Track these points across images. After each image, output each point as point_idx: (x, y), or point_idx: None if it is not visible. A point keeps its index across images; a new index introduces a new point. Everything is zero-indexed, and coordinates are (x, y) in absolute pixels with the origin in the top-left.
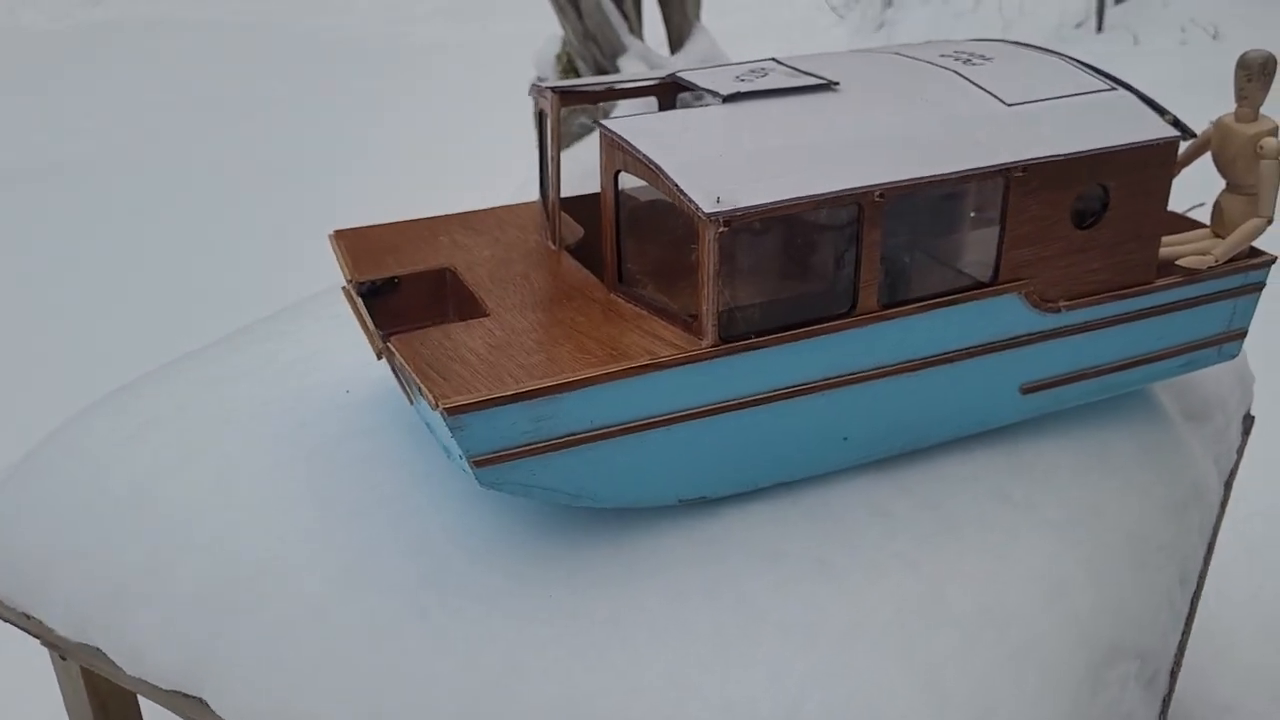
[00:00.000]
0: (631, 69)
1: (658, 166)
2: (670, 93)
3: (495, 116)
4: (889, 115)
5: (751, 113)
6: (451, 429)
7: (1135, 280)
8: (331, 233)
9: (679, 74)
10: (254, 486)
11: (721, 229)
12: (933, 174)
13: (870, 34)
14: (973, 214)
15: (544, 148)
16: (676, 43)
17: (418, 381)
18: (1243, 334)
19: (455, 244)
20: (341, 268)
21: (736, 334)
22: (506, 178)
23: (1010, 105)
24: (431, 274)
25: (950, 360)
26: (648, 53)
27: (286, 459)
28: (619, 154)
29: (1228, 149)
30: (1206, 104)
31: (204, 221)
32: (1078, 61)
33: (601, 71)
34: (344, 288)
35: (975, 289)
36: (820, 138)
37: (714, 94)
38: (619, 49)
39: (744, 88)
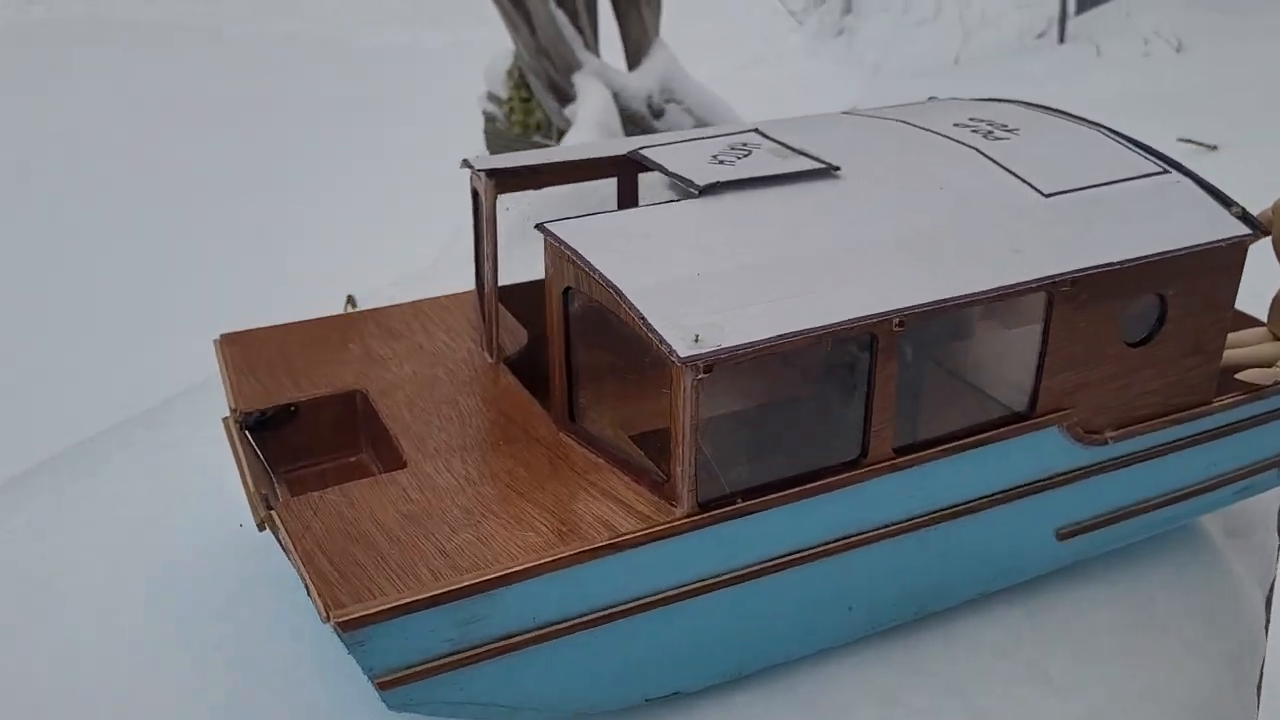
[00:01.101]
0: (587, 86)
1: (618, 291)
2: (630, 171)
3: (447, 131)
4: (903, 212)
5: (734, 210)
6: (349, 645)
7: (1192, 400)
8: (217, 339)
9: (642, 151)
10: (122, 636)
11: (701, 376)
12: (962, 293)
13: (829, 40)
14: (1005, 331)
15: (480, 234)
16: (634, 58)
17: (306, 580)
18: None
19: (369, 355)
20: (225, 390)
21: (718, 497)
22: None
23: (1048, 196)
24: (338, 398)
25: (977, 509)
26: (604, 69)
27: (159, 608)
28: (569, 268)
29: None
30: (1170, 119)
31: (135, 243)
32: (1117, 134)
33: (555, 87)
34: (225, 420)
35: (1009, 423)
36: (820, 245)
37: (686, 183)
38: (573, 65)
39: (724, 174)
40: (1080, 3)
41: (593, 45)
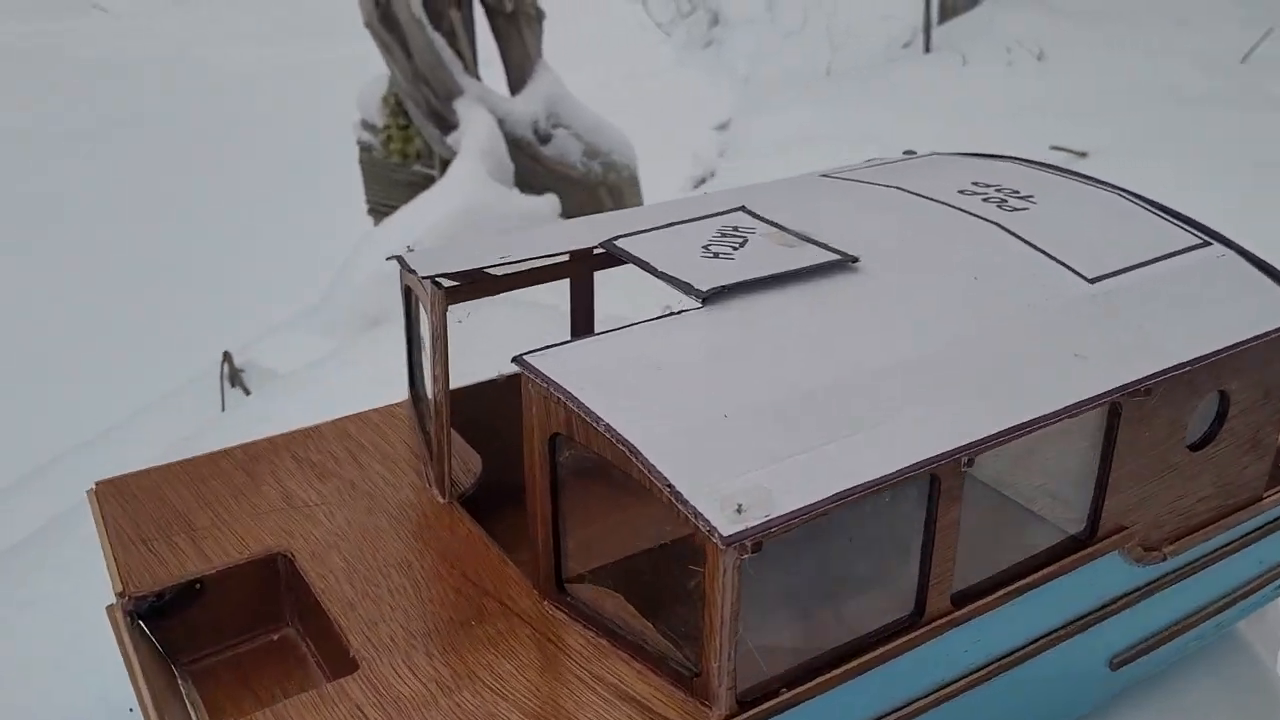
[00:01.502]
0: (470, 112)
1: (632, 449)
2: (589, 267)
3: (318, 161)
4: (942, 313)
5: (749, 323)
6: None
7: (1246, 498)
8: (91, 489)
9: (618, 243)
10: None
11: (747, 555)
12: (1031, 417)
13: (698, 51)
14: (1057, 441)
15: (413, 341)
16: (517, 81)
17: None
18: None
19: (289, 500)
20: (108, 567)
21: (760, 691)
22: (333, 239)
23: (1093, 282)
24: (255, 566)
25: (1033, 652)
26: (486, 94)
27: None
28: (558, 411)
29: None
30: (1041, 126)
31: None
32: (1137, 197)
33: (436, 114)
34: (110, 608)
35: (1068, 551)
36: (859, 364)
37: (685, 288)
38: (454, 90)
39: (725, 273)
40: (942, 12)
41: (473, 69)
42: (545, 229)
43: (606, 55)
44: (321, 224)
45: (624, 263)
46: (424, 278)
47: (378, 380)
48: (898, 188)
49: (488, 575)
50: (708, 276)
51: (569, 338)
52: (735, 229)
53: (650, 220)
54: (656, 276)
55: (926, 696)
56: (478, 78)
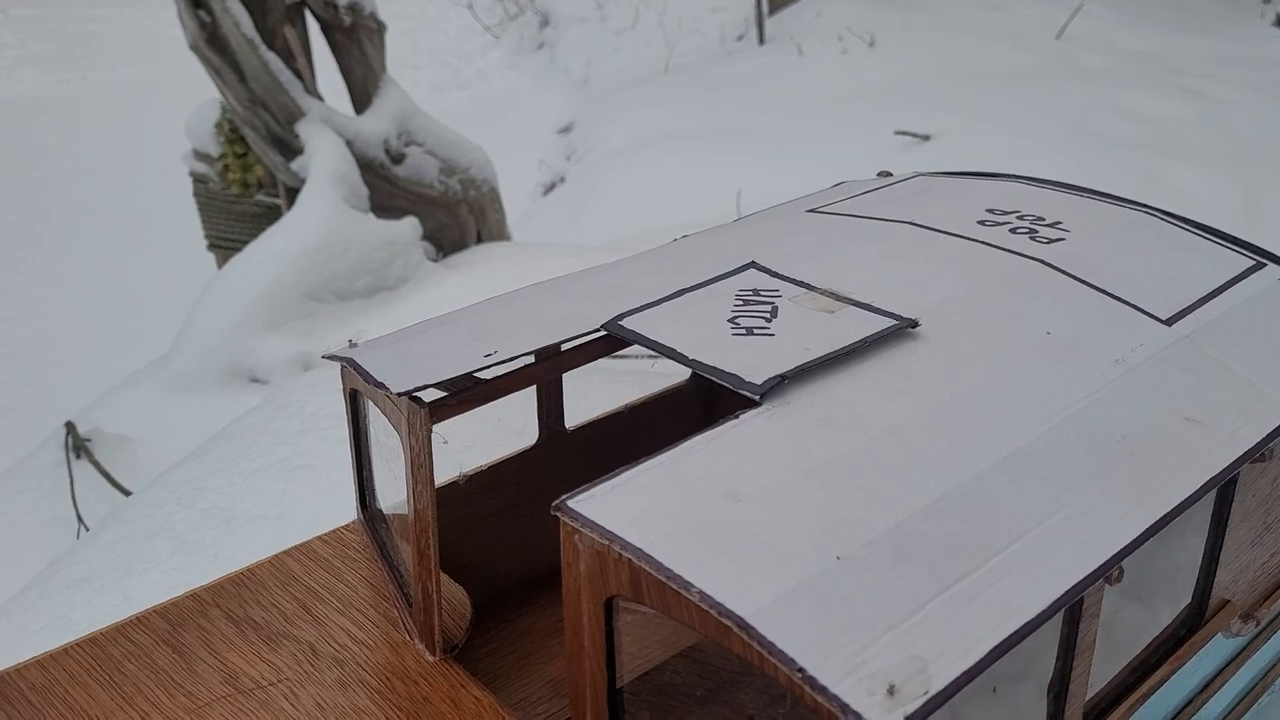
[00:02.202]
0: (315, 135)
1: (741, 621)
2: (588, 355)
3: (146, 195)
4: (1030, 387)
5: (824, 422)
6: None
7: None
8: None
9: (623, 323)
10: None
11: None
12: (1168, 508)
13: (530, 54)
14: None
15: (363, 448)
16: (362, 99)
17: None
18: None
19: (234, 683)
20: None
21: None
22: (172, 282)
23: (1169, 323)
24: None
25: None
26: (331, 114)
27: None
28: (619, 569)
29: None
30: (882, 113)
31: None
32: (1165, 213)
33: (277, 140)
34: None
35: (1178, 641)
36: (962, 467)
37: (735, 383)
38: (296, 113)
39: (776, 359)
40: (771, 3)
41: (313, 88)
42: (508, 303)
43: (430, 63)
44: (156, 265)
45: (629, 344)
46: (398, 394)
47: (262, 454)
48: (909, 223)
49: None
50: (754, 363)
51: (536, 427)
52: (756, 293)
53: (636, 285)
54: (688, 366)
55: None
56: (320, 98)
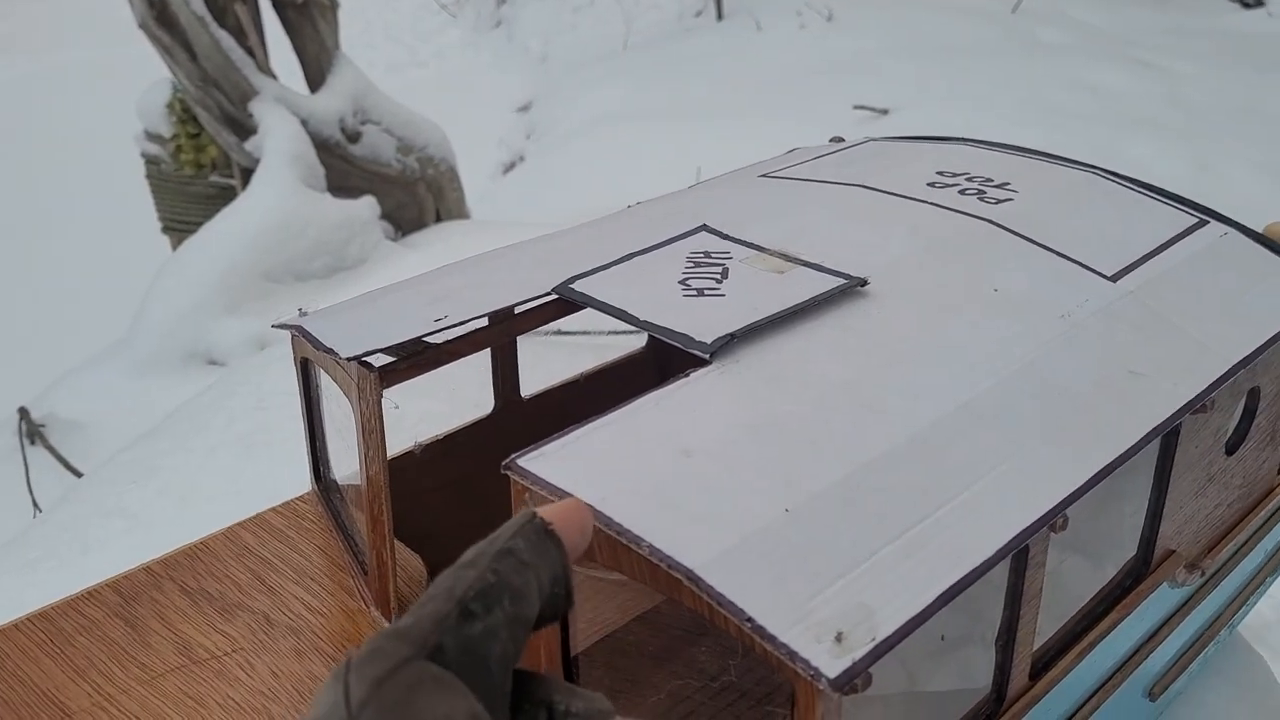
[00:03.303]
0: (269, 114)
1: (690, 574)
2: (542, 318)
3: (97, 177)
4: (978, 342)
5: (773, 380)
6: None
7: (1263, 489)
8: None
9: (573, 286)
10: None
11: (846, 692)
12: (1113, 457)
13: (488, 32)
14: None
15: (315, 419)
16: (316, 77)
17: None
18: None
19: (189, 653)
20: None
21: None
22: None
23: (1114, 279)
24: None
25: (1091, 709)
26: (285, 93)
27: None
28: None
29: None
30: (840, 87)
31: None
32: (1110, 173)
33: (230, 119)
34: None
35: (1124, 591)
36: (910, 421)
37: (685, 342)
38: (249, 92)
39: (722, 315)
40: None
41: (266, 67)
42: (460, 270)
43: (386, 42)
44: (110, 248)
45: (581, 309)
46: (347, 359)
47: (219, 431)
48: (861, 185)
49: None
50: (704, 323)
51: (492, 395)
52: (708, 255)
53: (588, 251)
54: (640, 328)
55: None
56: (273, 76)
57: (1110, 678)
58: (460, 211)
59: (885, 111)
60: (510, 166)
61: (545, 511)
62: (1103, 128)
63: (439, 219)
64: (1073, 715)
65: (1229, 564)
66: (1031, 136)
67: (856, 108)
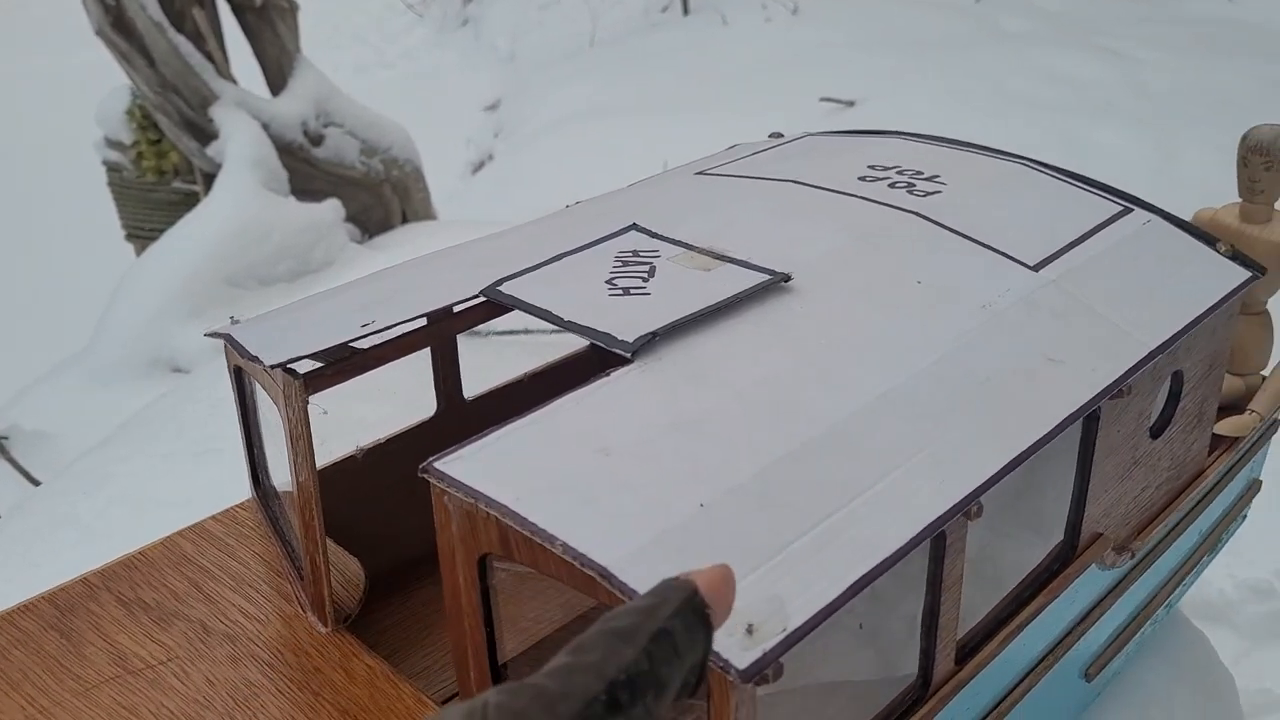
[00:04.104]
0: (230, 119)
1: (603, 571)
2: (469, 321)
3: (58, 184)
4: (900, 335)
5: (694, 377)
6: None
7: (1193, 471)
8: None
9: (501, 288)
10: None
11: (757, 683)
12: (1028, 443)
13: (454, 31)
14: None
15: (251, 427)
16: (277, 80)
17: None
18: (1259, 484)
19: (124, 663)
20: None
21: None
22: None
23: (1036, 269)
24: None
25: (1023, 690)
26: (246, 97)
27: None
28: (488, 527)
29: None
30: (807, 80)
31: None
32: (1036, 163)
33: (191, 125)
34: None
35: (1051, 575)
36: (827, 414)
37: (608, 341)
38: (208, 97)
39: (645, 314)
40: None
41: (226, 71)
42: (392, 275)
43: (352, 42)
44: (74, 257)
45: (509, 311)
46: (271, 366)
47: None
48: (793, 181)
49: None
50: (627, 322)
51: (434, 398)
52: (635, 254)
53: (523, 252)
54: (564, 328)
55: None
56: (233, 81)
57: (1042, 660)
58: (427, 212)
59: (852, 103)
60: (479, 166)
61: (703, 582)
62: (1069, 116)
63: (405, 220)
64: (1004, 698)
65: (1161, 545)
66: (997, 126)
67: (823, 100)
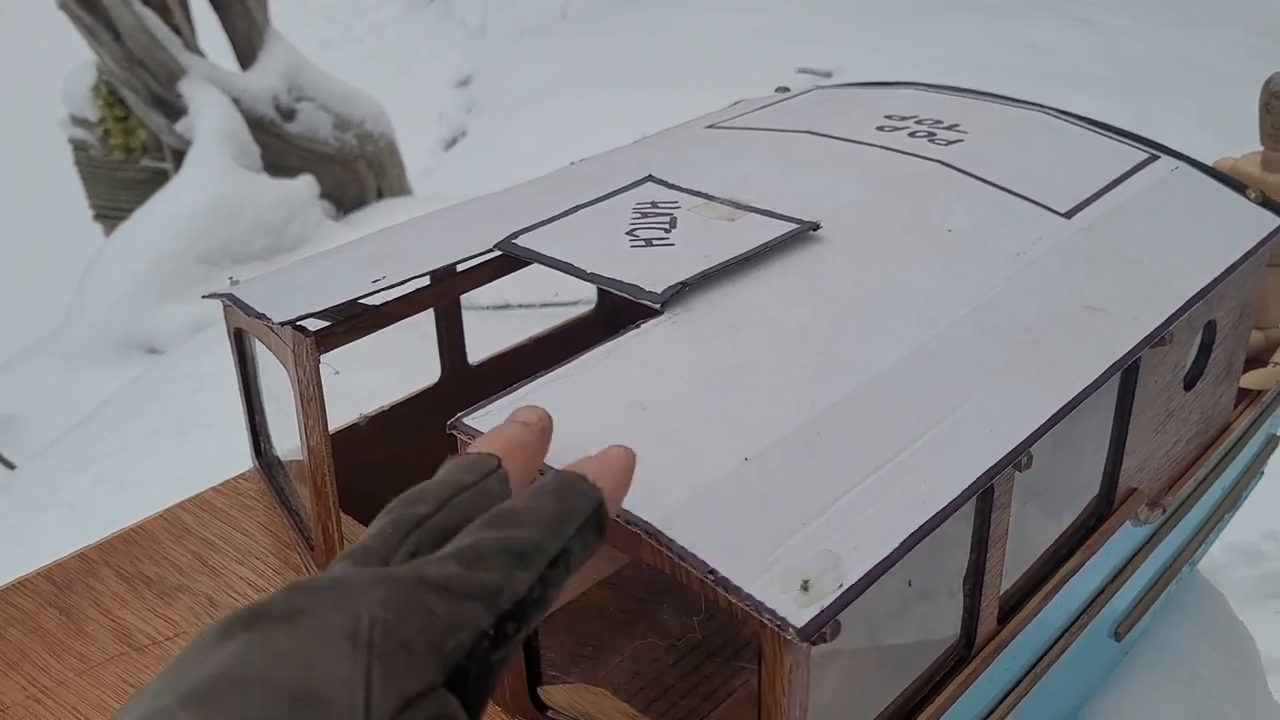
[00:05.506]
0: (199, 94)
1: (650, 529)
2: (481, 277)
3: (22, 164)
4: (935, 283)
5: (728, 328)
6: None
7: (1220, 425)
8: None
9: (517, 241)
10: None
11: (815, 641)
12: (1075, 392)
13: (424, 6)
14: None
15: (253, 393)
16: (247, 54)
17: None
18: (1277, 441)
19: (128, 640)
20: None
21: None
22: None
23: (1069, 216)
24: None
25: (1060, 650)
26: (215, 71)
27: None
28: None
29: None
30: (784, 50)
31: None
32: (1060, 112)
33: (159, 100)
34: None
35: (1088, 530)
36: (868, 365)
37: (635, 293)
38: (177, 72)
39: (672, 265)
40: None
41: (194, 44)
42: (400, 231)
43: (319, 19)
44: (42, 239)
45: (525, 265)
46: (281, 323)
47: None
48: (808, 131)
49: None
50: (653, 273)
51: (439, 364)
52: (654, 205)
53: (535, 206)
54: (585, 279)
55: None
56: (201, 54)
57: (1077, 619)
58: (402, 188)
59: (829, 74)
60: (452, 142)
61: (607, 480)
62: (1045, 85)
63: (381, 196)
64: (1041, 658)
65: (1189, 501)
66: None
67: (800, 71)
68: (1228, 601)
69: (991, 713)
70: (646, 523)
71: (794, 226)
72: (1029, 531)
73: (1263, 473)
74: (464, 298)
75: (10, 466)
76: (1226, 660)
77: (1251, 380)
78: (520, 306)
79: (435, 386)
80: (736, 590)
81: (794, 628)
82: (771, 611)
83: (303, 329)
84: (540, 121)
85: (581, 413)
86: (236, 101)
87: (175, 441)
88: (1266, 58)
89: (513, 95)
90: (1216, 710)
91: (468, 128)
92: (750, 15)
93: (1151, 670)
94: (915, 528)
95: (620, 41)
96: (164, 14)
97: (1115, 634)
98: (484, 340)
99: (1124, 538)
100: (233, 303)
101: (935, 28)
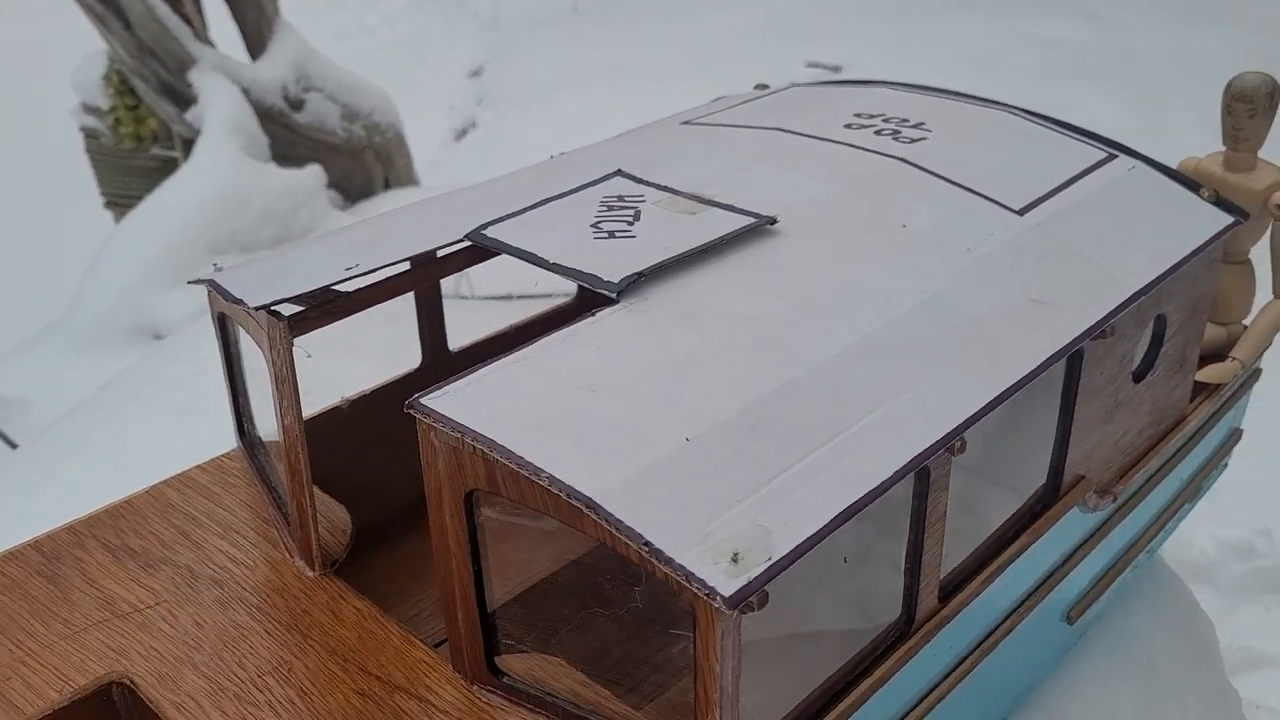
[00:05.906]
0: (209, 84)
1: (589, 502)
2: (454, 266)
3: (34, 151)
4: (884, 276)
5: (680, 317)
6: None
7: (1174, 417)
8: None
9: (486, 232)
10: None
11: (743, 610)
12: (1013, 380)
13: (436, 1)
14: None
15: (236, 375)
16: (257, 44)
17: None
18: (1239, 433)
19: (111, 607)
20: None
21: None
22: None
23: (1022, 213)
24: (84, 706)
25: (1005, 631)
26: (224, 61)
27: None
28: (474, 462)
29: None
30: (794, 45)
31: None
32: (1022, 111)
33: (169, 90)
34: None
35: (1034, 516)
36: (813, 351)
37: (593, 282)
38: (187, 61)
39: (630, 255)
40: None
41: (204, 34)
42: (378, 222)
43: (331, 10)
44: (52, 224)
45: (494, 255)
46: (256, 308)
47: (154, 400)
48: (777, 129)
49: (394, 664)
50: (612, 263)
51: (420, 351)
52: (620, 198)
53: (508, 198)
54: (547, 269)
55: (918, 703)
56: (211, 44)
57: (1024, 601)
58: (410, 178)
59: (838, 69)
60: (462, 133)
61: None
62: (1051, 80)
63: (388, 186)
64: (987, 637)
65: (1143, 490)
66: (982, 89)
67: (809, 65)
68: (1189, 589)
69: (936, 687)
70: (588, 497)
71: (751, 221)
72: (979, 516)
73: (1226, 464)
74: (460, 289)
75: (13, 446)
76: (1184, 647)
77: (1209, 374)
78: (512, 298)
79: (416, 372)
80: (669, 561)
81: (722, 596)
82: (701, 581)
83: (276, 314)
84: (551, 113)
85: (534, 395)
86: (246, 91)
87: (172, 424)
88: (1266, 56)
89: (524, 87)
90: (1172, 695)
91: (478, 119)
92: (760, 9)
93: (1108, 655)
94: (845, 505)
95: (632, 34)
96: (174, 4)
97: (1068, 617)
98: (478, 331)
99: (1072, 523)
100: (215, 289)
101: (944, 23)
